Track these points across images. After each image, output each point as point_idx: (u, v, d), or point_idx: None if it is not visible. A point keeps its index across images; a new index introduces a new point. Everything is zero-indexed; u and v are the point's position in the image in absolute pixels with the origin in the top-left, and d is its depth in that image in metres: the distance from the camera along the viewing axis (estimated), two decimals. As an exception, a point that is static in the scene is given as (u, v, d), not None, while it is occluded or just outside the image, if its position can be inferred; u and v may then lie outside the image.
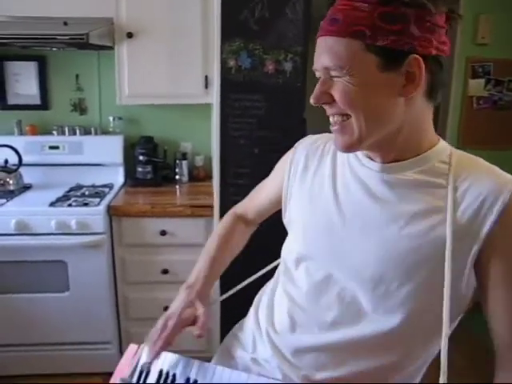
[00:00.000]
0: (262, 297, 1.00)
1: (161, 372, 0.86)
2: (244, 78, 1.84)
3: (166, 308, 2.30)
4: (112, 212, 2.06)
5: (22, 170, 2.29)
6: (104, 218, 2.02)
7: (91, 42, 1.97)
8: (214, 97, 1.92)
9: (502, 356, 0.73)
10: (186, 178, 2.49)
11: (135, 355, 0.89)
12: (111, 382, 0.86)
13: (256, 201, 1.09)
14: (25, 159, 2.29)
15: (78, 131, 2.46)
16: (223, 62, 1.83)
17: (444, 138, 0.82)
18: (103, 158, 2.43)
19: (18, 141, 2.34)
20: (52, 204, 2.05)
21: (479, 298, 0.76)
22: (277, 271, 1.00)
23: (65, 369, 2.15)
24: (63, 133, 2.45)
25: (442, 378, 0.72)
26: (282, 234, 0.96)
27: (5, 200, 2.10)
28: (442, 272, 0.71)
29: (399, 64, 0.70)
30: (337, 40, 0.71)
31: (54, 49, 2.35)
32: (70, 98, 2.49)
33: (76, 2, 2.03)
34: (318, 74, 0.76)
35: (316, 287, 0.84)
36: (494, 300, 0.72)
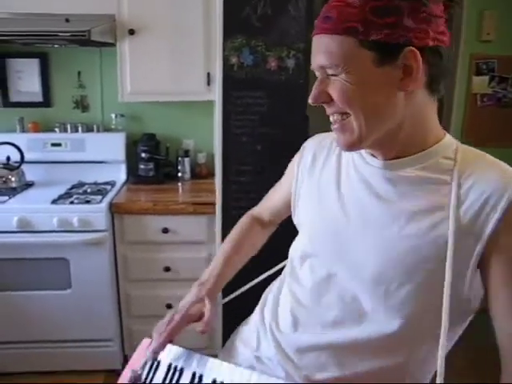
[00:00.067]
0: (268, 295, 1.00)
1: (169, 365, 0.88)
2: (246, 74, 1.84)
3: (168, 305, 2.30)
4: (114, 209, 2.06)
5: (24, 167, 2.29)
6: (106, 216, 2.02)
7: (93, 39, 1.96)
8: (216, 94, 1.91)
9: (506, 358, 0.71)
10: (188, 176, 2.49)
11: (148, 349, 0.91)
12: (124, 374, 0.88)
13: (270, 202, 1.11)
14: (27, 156, 2.29)
15: (80, 128, 2.45)
16: (225, 59, 1.82)
17: (448, 136, 0.81)
18: (105, 155, 2.43)
19: (20, 138, 2.34)
20: (54, 201, 2.05)
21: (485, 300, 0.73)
22: (283, 272, 1.00)
23: (67, 366, 2.15)
24: (65, 130, 2.45)
25: (439, 379, 0.70)
26: (286, 235, 0.96)
27: (7, 197, 2.10)
28: (442, 273, 0.69)
29: (395, 58, 0.68)
30: (331, 38, 0.70)
31: (56, 46, 2.34)
32: (72, 95, 2.48)
33: (78, -1, 2.03)
34: (317, 74, 0.75)
35: (319, 285, 0.84)
36: (499, 302, 0.70)
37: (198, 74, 2.18)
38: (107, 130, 2.51)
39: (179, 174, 2.48)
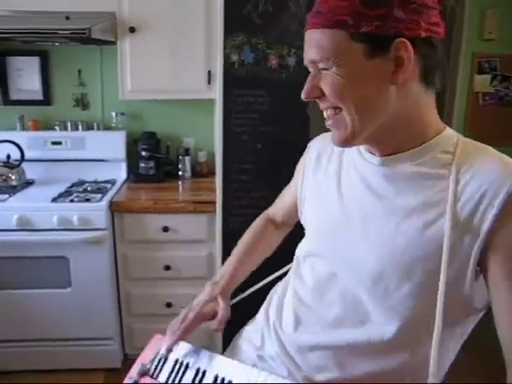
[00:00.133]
0: (273, 296, 1.00)
1: (176, 361, 0.89)
2: (247, 72, 1.83)
3: (168, 304, 2.30)
4: (114, 208, 2.05)
5: (24, 165, 2.29)
6: (106, 214, 2.01)
7: (93, 37, 1.96)
8: (216, 92, 1.90)
9: (509, 356, 0.69)
10: (188, 174, 2.49)
11: (159, 344, 0.92)
12: (134, 368, 0.90)
13: (282, 203, 1.11)
14: (27, 155, 2.28)
15: (80, 127, 2.45)
16: (226, 57, 1.81)
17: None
18: (105, 153, 2.42)
19: (20, 136, 2.33)
20: (54, 200, 2.05)
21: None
22: (288, 273, 1.01)
23: (67, 365, 2.15)
24: (65, 128, 2.45)
25: (431, 379, 0.68)
26: (291, 237, 0.96)
27: (7, 195, 2.09)
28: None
29: (386, 49, 0.67)
30: (321, 32, 0.69)
31: (57, 44, 2.34)
32: (73, 93, 2.48)
33: (78, -4, 2.02)
34: (310, 69, 0.75)
35: (321, 284, 0.84)
36: (500, 300, 0.68)
37: (199, 72, 2.18)
38: (107, 128, 2.51)
39: (180, 173, 2.48)
